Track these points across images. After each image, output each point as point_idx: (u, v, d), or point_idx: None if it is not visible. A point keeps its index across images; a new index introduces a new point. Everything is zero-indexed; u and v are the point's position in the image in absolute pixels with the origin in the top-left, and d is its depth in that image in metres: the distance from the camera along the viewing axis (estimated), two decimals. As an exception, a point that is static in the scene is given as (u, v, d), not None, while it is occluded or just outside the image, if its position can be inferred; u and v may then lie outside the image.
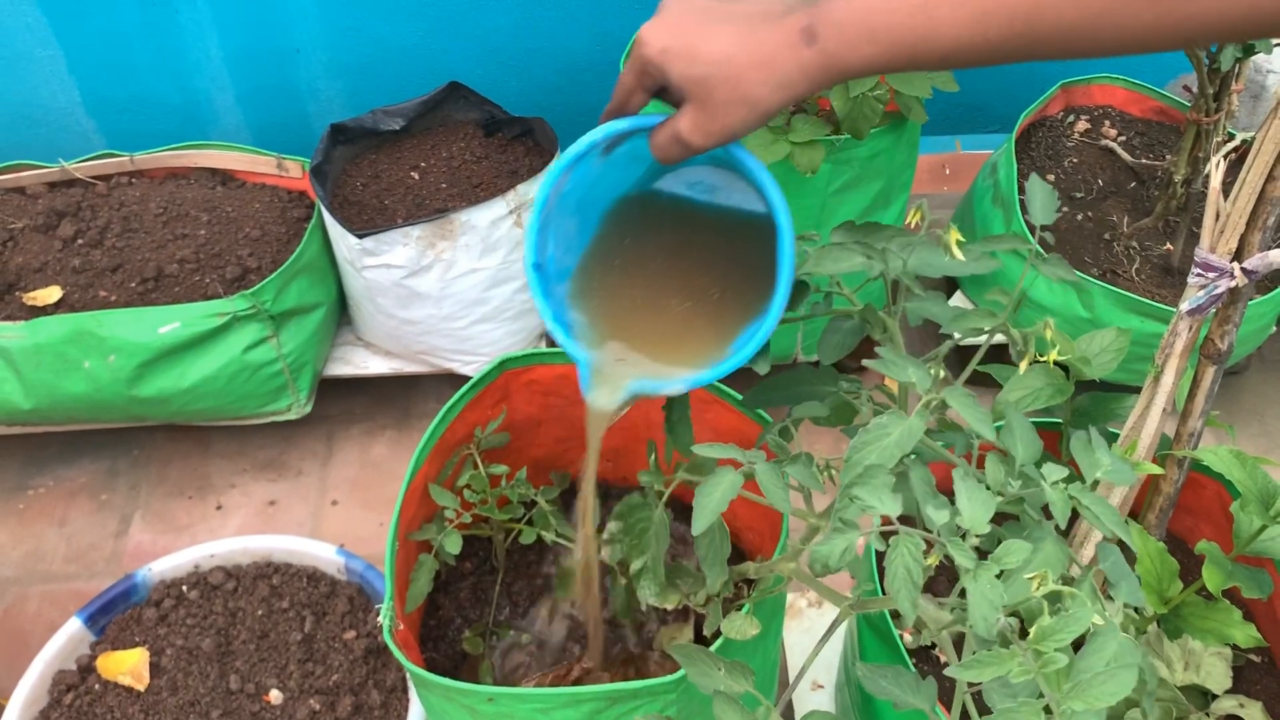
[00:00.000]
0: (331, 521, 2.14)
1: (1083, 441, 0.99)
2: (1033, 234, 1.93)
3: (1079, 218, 2.26)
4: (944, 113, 2.82)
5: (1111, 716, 1.42)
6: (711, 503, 0.88)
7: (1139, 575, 1.37)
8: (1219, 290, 1.24)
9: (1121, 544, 1.46)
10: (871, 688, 0.83)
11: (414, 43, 2.54)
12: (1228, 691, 1.48)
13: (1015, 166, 2.21)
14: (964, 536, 0.81)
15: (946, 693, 1.32)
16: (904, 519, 0.82)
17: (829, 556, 0.77)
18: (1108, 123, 2.44)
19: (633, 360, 1.02)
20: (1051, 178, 2.32)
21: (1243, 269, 1.23)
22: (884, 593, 1.28)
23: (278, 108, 2.60)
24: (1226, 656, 1.49)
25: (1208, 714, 1.47)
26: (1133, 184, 2.34)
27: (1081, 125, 2.43)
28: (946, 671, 0.76)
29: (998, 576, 0.74)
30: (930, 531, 0.82)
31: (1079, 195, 2.30)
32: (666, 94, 0.90)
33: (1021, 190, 2.25)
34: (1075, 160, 2.37)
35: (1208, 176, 1.62)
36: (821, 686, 1.79)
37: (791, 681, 1.07)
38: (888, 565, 0.76)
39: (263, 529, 2.12)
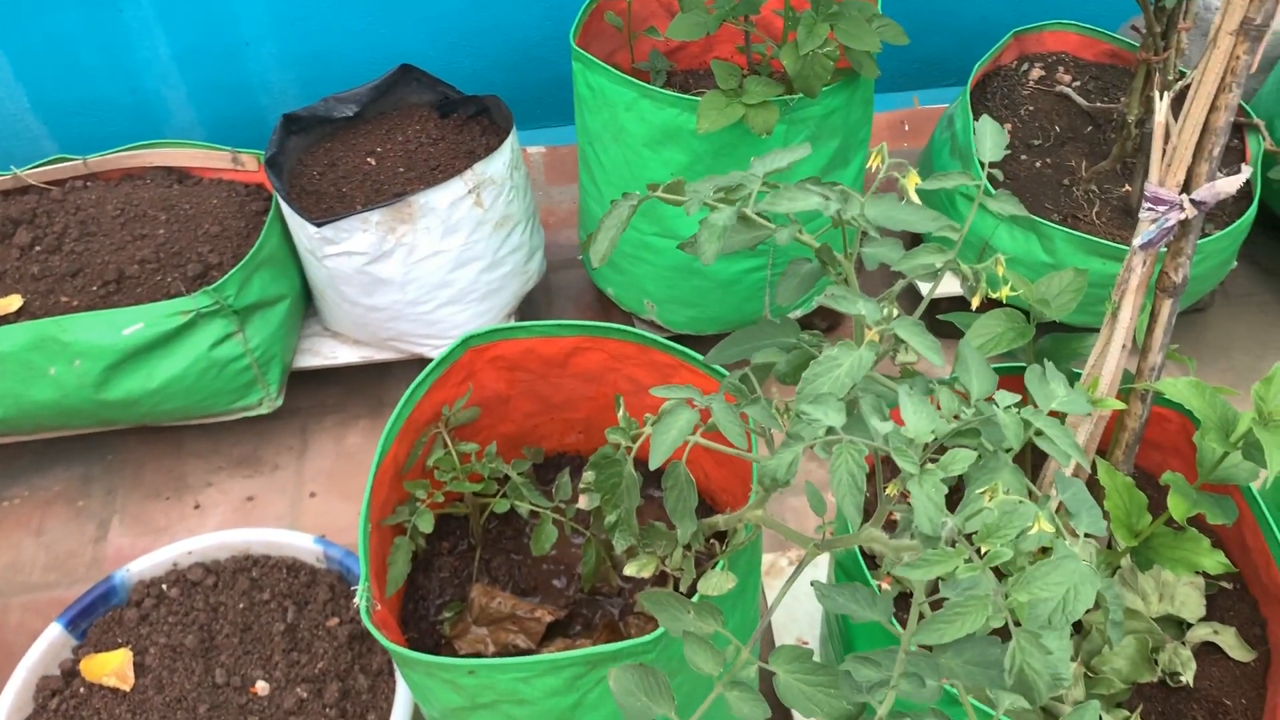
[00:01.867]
0: (311, 513, 2.13)
1: (1036, 374, 1.00)
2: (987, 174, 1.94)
3: (1038, 165, 2.27)
4: (900, 69, 2.83)
5: (1089, 650, 1.44)
6: (669, 437, 0.89)
7: (1108, 510, 1.39)
8: (1170, 223, 1.25)
9: (1092, 481, 1.48)
10: (828, 605, 0.84)
11: (363, 28, 2.52)
12: (1202, 619, 1.50)
13: (971, 118, 2.22)
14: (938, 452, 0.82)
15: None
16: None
17: (777, 469, 0.78)
18: (1062, 69, 2.45)
19: None
20: (1009, 126, 2.33)
21: (1191, 200, 1.24)
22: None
23: (231, 102, 2.58)
24: (1199, 585, 1.52)
25: (1183, 642, 1.49)
26: (1089, 128, 2.35)
27: (1036, 73, 2.44)
28: (895, 571, 0.77)
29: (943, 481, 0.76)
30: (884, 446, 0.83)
31: (1037, 143, 2.31)
32: None
33: (979, 141, 2.26)
34: (1032, 108, 2.37)
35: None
36: (806, 642, 1.81)
37: (766, 614, 1.08)
38: (832, 472, 0.77)
39: (242, 525, 2.11)
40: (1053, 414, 1.06)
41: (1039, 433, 1.01)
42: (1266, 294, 2.47)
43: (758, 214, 1.07)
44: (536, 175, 2.74)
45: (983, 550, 0.74)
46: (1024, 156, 2.27)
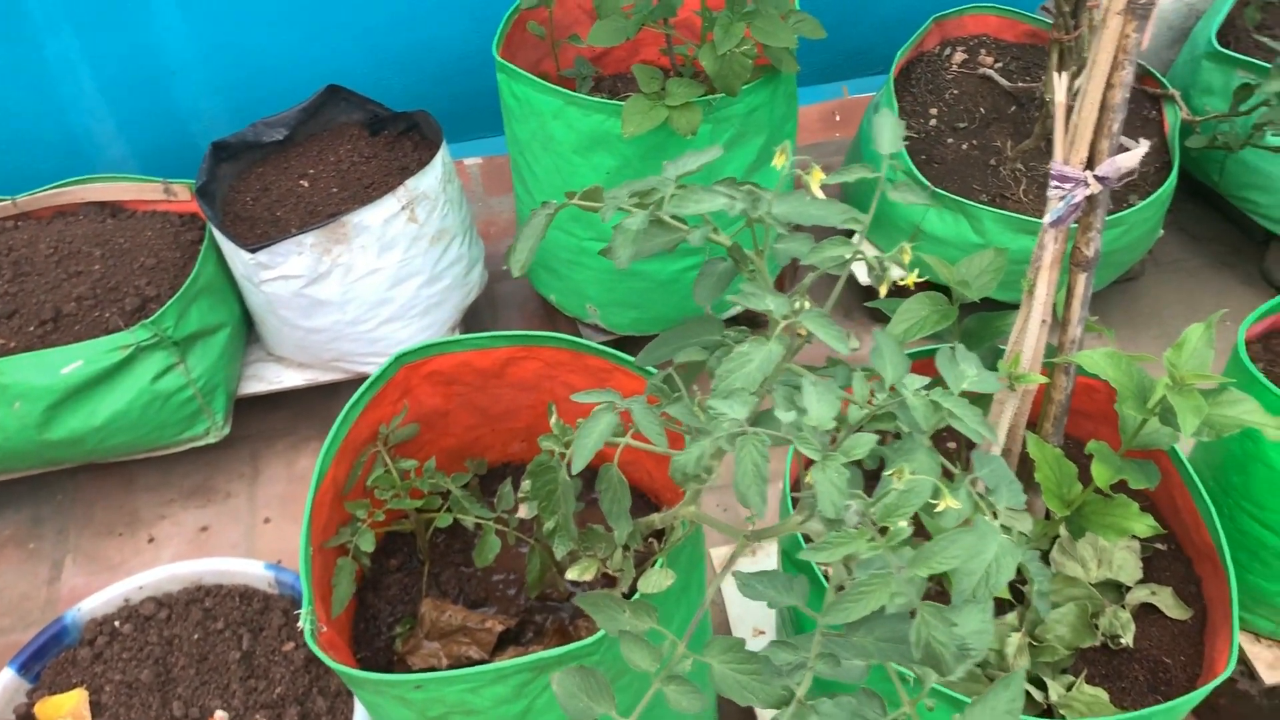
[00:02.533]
0: (266, 539, 2.13)
1: (946, 356, 1.02)
2: (917, 167, 1.96)
3: (964, 147, 2.31)
4: (829, 60, 2.86)
5: (1032, 620, 1.47)
6: (590, 441, 0.90)
7: (1039, 481, 1.42)
8: (1076, 199, 1.29)
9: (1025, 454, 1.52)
10: (747, 593, 0.86)
11: (291, 51, 2.51)
12: (1140, 581, 1.54)
13: (896, 105, 2.25)
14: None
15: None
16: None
17: (686, 464, 0.80)
18: (984, 51, 2.49)
19: None
20: (935, 111, 2.37)
21: (1095, 176, 1.28)
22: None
23: (161, 132, 2.57)
24: (1135, 549, 1.56)
25: (1123, 605, 1.53)
26: (1013, 108, 2.39)
27: (959, 56, 2.48)
28: (799, 555, 0.79)
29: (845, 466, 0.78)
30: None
31: (963, 125, 2.35)
32: None
33: (905, 128, 2.29)
34: (956, 91, 2.41)
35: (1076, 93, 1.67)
36: (763, 632, 1.83)
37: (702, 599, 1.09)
38: (737, 463, 0.79)
39: (197, 556, 2.10)
40: (969, 393, 1.08)
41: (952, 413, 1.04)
42: (1195, 259, 2.53)
43: (673, 216, 1.09)
44: (475, 186, 2.75)
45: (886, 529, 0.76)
46: (950, 140, 2.31)
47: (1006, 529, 1.03)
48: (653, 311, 2.19)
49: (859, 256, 1.03)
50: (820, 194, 1.04)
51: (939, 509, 0.83)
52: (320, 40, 2.52)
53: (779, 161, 1.05)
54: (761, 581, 0.86)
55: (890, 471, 0.84)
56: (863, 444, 0.81)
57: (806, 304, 1.03)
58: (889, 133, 1.04)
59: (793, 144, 2.17)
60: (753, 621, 1.85)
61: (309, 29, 2.50)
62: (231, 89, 2.54)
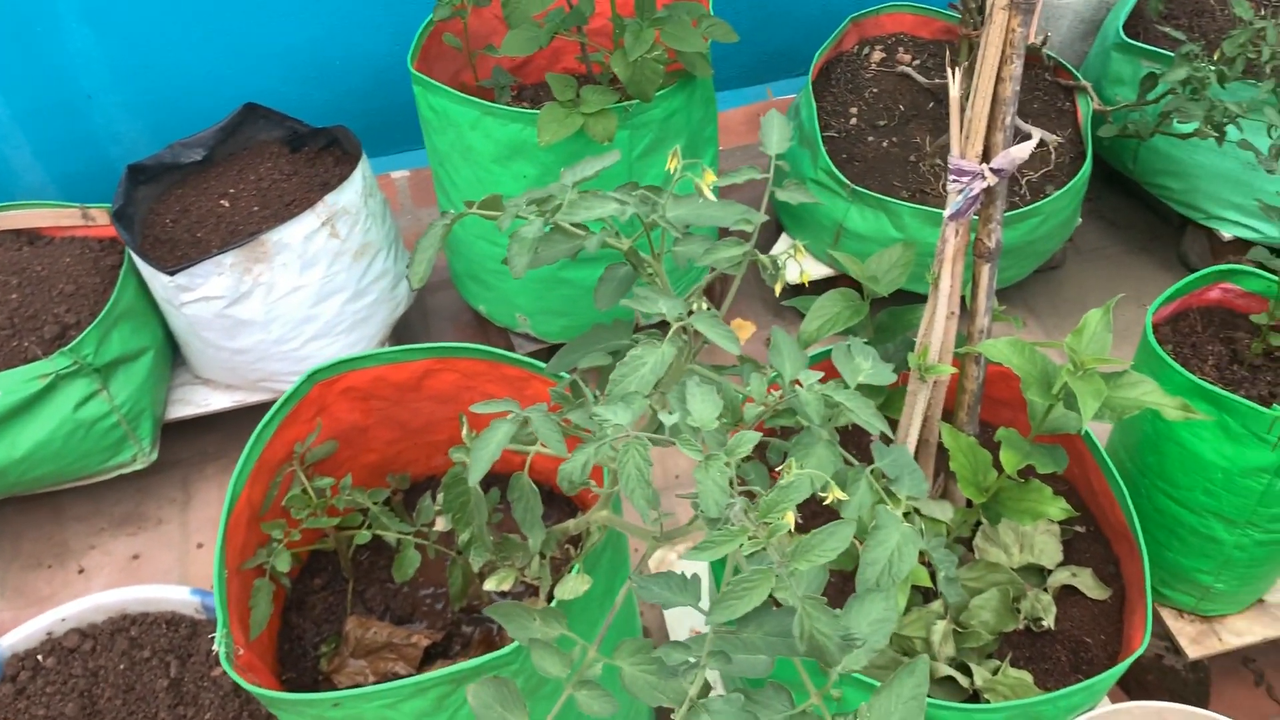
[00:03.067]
0: (200, 565, 2.10)
1: (842, 351, 1.04)
2: (831, 164, 1.98)
3: (885, 145, 2.34)
4: (751, 63, 2.89)
5: (957, 607, 1.49)
6: (486, 453, 0.91)
7: (955, 470, 1.44)
8: (974, 192, 1.31)
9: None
10: (644, 595, 0.87)
11: (208, 71, 2.49)
12: (1060, 564, 1.57)
13: (815, 106, 2.28)
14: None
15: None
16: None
17: (572, 473, 0.81)
18: (901, 49, 2.53)
19: None
20: (855, 110, 2.40)
21: (991, 169, 1.30)
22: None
23: (79, 157, 2.53)
24: (1055, 532, 1.59)
25: (1045, 588, 1.56)
26: (931, 104, 2.43)
27: (877, 55, 2.51)
28: (681, 558, 0.80)
29: (727, 465, 0.79)
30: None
31: (882, 123, 2.38)
32: None
33: (824, 128, 2.32)
34: (875, 90, 2.44)
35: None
36: (699, 632, 1.84)
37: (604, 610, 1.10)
38: (620, 469, 0.80)
39: (130, 584, 2.07)
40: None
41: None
42: (1114, 246, 2.58)
43: (572, 223, 1.09)
44: (403, 199, 2.74)
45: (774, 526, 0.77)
46: (871, 138, 2.34)
47: (909, 517, 1.05)
48: (582, 318, 2.19)
49: (753, 256, 1.04)
50: (712, 196, 1.05)
51: (827, 501, 0.84)
52: (239, 59, 2.50)
53: (671, 165, 1.06)
54: (657, 583, 0.87)
55: (780, 466, 0.85)
56: (746, 442, 0.82)
57: (704, 306, 1.04)
58: (776, 134, 1.06)
59: (714, 148, 2.19)
60: (690, 622, 1.86)
61: (227, 48, 2.48)
62: (150, 111, 2.51)
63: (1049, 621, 1.50)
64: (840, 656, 0.76)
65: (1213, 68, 1.99)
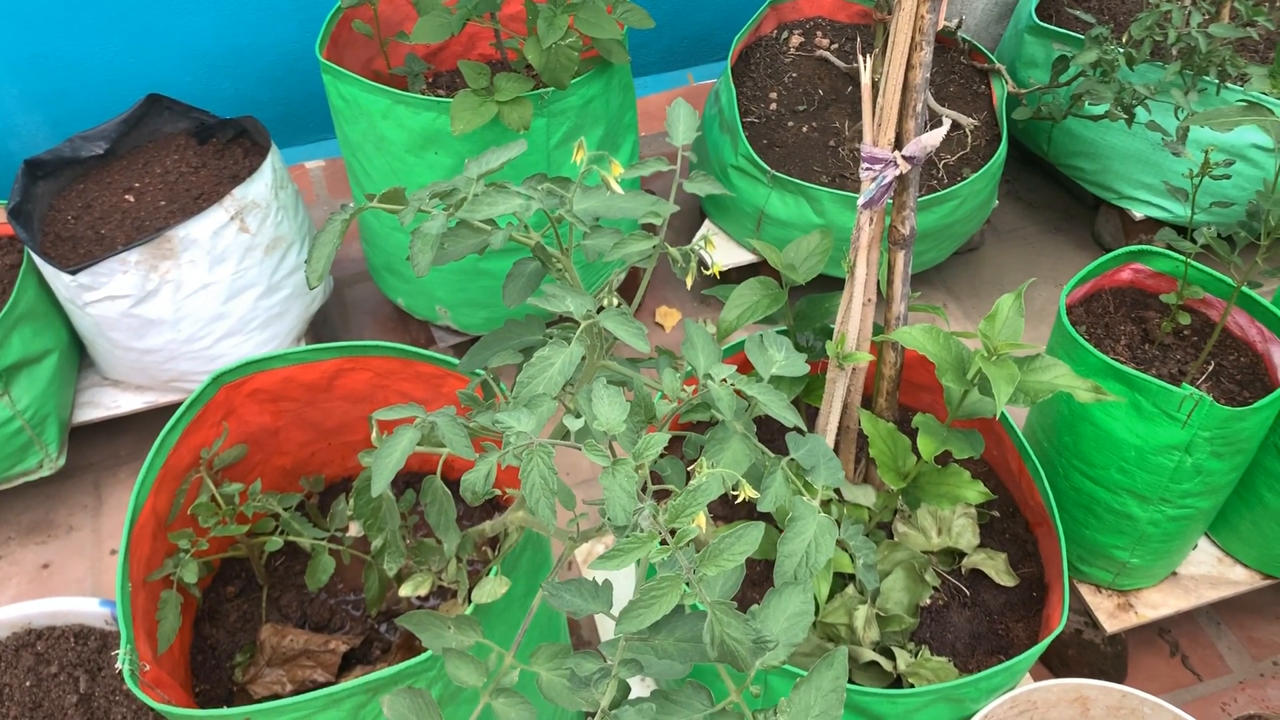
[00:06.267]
0: (114, 573, 2.03)
1: (755, 343, 1.03)
2: (739, 157, 1.97)
3: (804, 130, 2.34)
4: (672, 47, 2.87)
5: (875, 594, 1.50)
6: (390, 462, 0.88)
7: (874, 456, 1.45)
8: (887, 179, 1.31)
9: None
10: (555, 603, 0.85)
11: (110, 60, 2.40)
12: (978, 547, 1.59)
13: (734, 91, 2.27)
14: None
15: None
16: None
17: (474, 483, 0.79)
18: (820, 33, 2.53)
19: None
20: (775, 95, 2.39)
21: (903, 156, 1.30)
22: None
23: (-25, 151, 2.43)
24: (972, 515, 1.61)
25: (960, 568, 1.58)
26: (850, 89, 2.43)
27: (795, 40, 2.51)
28: (588, 567, 0.79)
29: (636, 470, 0.78)
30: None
31: (802, 108, 2.38)
32: None
33: (744, 113, 2.31)
34: (795, 75, 2.44)
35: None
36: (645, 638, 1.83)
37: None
38: (523, 477, 0.78)
39: (41, 595, 2.00)
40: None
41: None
42: (1031, 226, 2.62)
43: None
44: (319, 189, 2.67)
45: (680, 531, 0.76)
46: (790, 123, 2.34)
47: (827, 506, 1.05)
48: (504, 310, 2.15)
49: (663, 249, 1.03)
50: (619, 189, 1.03)
51: (740, 499, 0.83)
52: (143, 48, 2.41)
53: (578, 157, 1.04)
54: (568, 590, 0.85)
55: (705, 468, 0.83)
56: (654, 445, 0.80)
57: (614, 302, 1.02)
58: (683, 124, 1.04)
59: (634, 134, 2.17)
60: (618, 615, 1.85)
61: (129, 37, 2.39)
62: (48, 102, 2.41)
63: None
64: (753, 660, 0.75)
65: (1121, 50, 2.02)
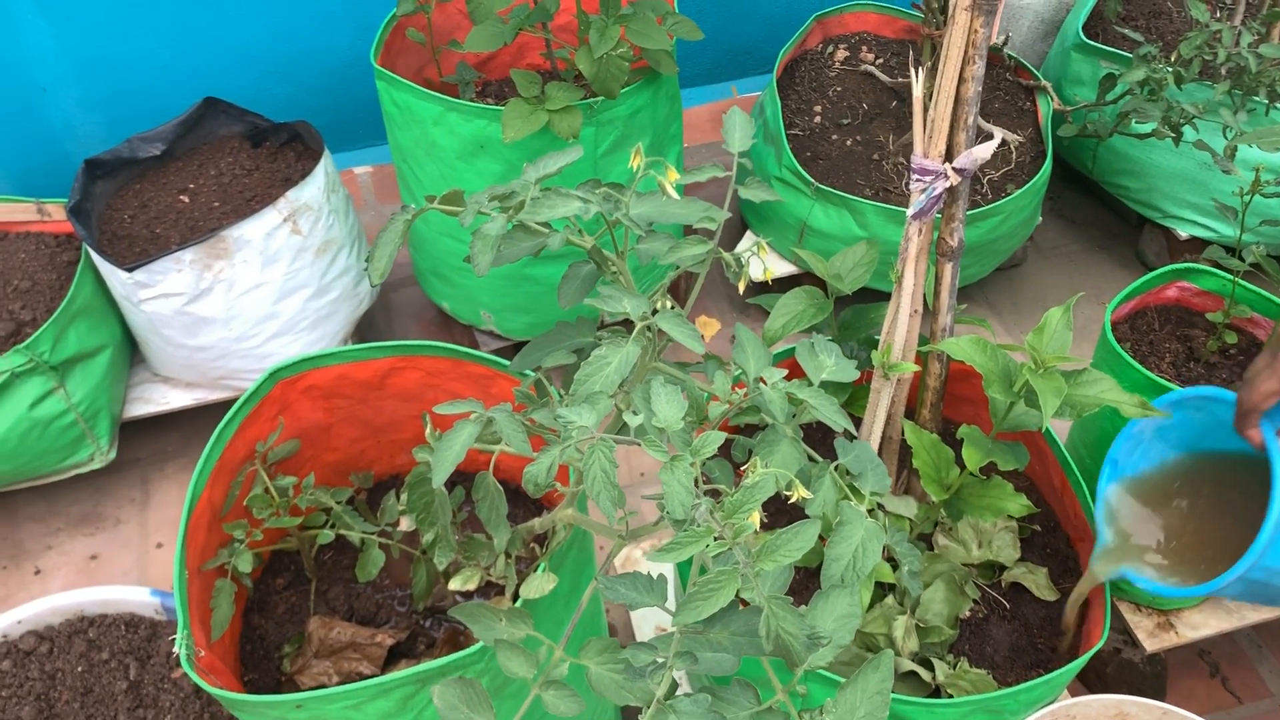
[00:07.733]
0: (159, 565, 2.08)
1: (806, 348, 1.04)
2: (796, 162, 1.99)
3: (849, 143, 2.35)
4: (717, 60, 2.89)
5: (914, 604, 1.51)
6: (450, 455, 0.90)
7: (918, 467, 1.45)
8: (937, 191, 1.32)
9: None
10: (610, 596, 0.87)
11: (166, 64, 2.46)
12: (1019, 560, 1.59)
13: (780, 104, 2.29)
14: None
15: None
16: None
17: (537, 475, 0.81)
18: (865, 48, 2.54)
19: (1141, 551, 1.41)
20: (819, 108, 2.41)
21: (954, 168, 1.31)
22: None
23: (35, 151, 2.49)
24: (1013, 529, 1.60)
25: (1000, 581, 1.57)
26: (894, 103, 2.44)
27: (841, 54, 2.53)
28: (648, 559, 0.80)
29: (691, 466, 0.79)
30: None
31: (846, 121, 2.40)
32: None
33: (789, 126, 2.33)
34: (840, 89, 2.46)
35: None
36: (665, 630, 1.84)
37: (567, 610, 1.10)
38: (586, 470, 0.80)
39: (87, 585, 2.04)
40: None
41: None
42: (1074, 244, 2.61)
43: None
44: (366, 195, 2.72)
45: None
46: (835, 136, 2.36)
47: (873, 513, 1.06)
48: (547, 315, 2.19)
49: (717, 254, 1.04)
50: (675, 194, 1.05)
51: (792, 499, 0.85)
52: (199, 52, 2.47)
53: (635, 163, 1.06)
54: (623, 583, 0.87)
55: (744, 465, 0.85)
56: (711, 442, 0.82)
57: (668, 304, 1.04)
58: (739, 131, 1.06)
59: (679, 145, 2.19)
60: (656, 620, 1.86)
61: (186, 41, 2.44)
62: (107, 104, 2.47)
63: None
64: (806, 655, 0.76)
65: (1169, 69, 2.02)
